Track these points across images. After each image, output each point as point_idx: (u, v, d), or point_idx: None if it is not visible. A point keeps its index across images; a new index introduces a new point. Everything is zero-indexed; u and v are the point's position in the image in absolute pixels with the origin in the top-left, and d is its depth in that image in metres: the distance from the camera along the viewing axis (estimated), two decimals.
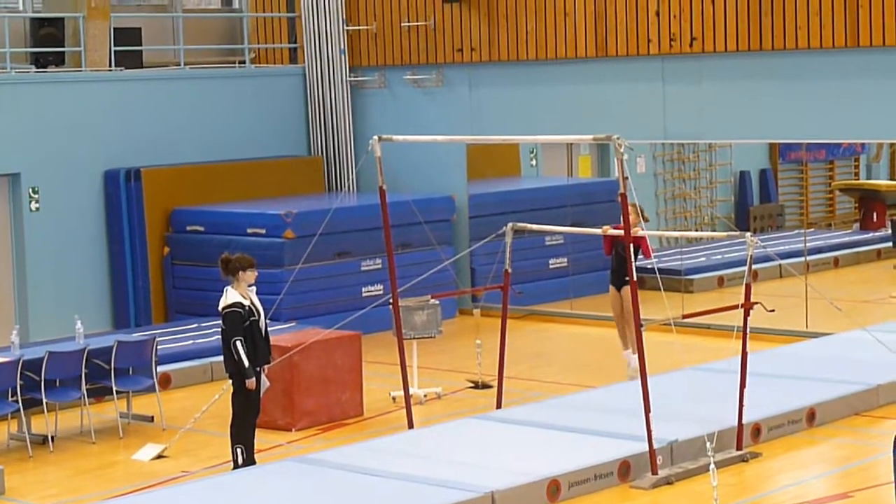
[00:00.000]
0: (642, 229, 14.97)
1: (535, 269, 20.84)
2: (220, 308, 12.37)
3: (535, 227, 14.82)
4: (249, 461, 12.49)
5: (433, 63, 20.75)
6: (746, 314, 12.58)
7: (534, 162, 23.61)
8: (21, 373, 13.65)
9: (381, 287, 19.03)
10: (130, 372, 14.64)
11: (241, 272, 12.36)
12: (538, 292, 20.46)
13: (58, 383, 14.08)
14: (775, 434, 13.30)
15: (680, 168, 24.59)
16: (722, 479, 11.75)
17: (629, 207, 12.45)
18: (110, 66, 19.83)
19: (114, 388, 14.34)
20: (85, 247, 19.24)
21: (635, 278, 12.05)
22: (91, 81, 19.44)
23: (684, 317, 13.09)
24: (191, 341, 17.18)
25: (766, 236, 23.21)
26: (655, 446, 11.96)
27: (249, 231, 18.81)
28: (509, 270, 14.17)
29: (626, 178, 11.89)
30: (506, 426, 13.25)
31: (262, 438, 13.13)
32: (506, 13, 19.83)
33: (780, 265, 18.31)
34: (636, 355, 12.94)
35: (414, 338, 15.48)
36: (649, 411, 11.85)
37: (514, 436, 12.90)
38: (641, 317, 11.97)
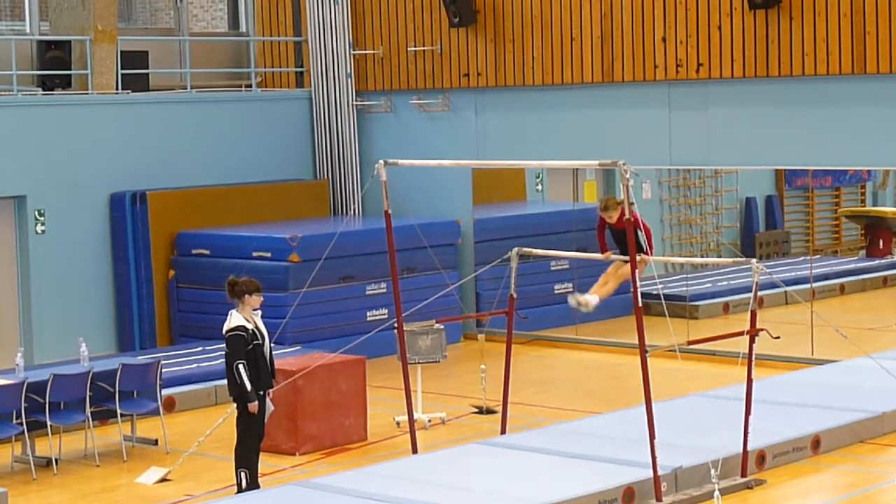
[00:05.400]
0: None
1: (540, 294, 20.83)
2: (223, 331, 12.38)
3: (540, 251, 14.80)
4: (253, 485, 12.48)
5: (439, 88, 20.78)
6: (752, 341, 12.57)
7: (539, 187, 23.62)
8: (25, 395, 13.64)
9: (386, 311, 19.03)
10: (135, 395, 14.63)
11: (246, 296, 12.37)
12: (543, 317, 20.45)
13: (62, 406, 14.08)
14: (780, 461, 13.27)
15: (686, 194, 24.59)
16: None
17: (613, 202, 13.08)
18: (117, 89, 19.86)
19: (118, 411, 14.33)
20: (90, 269, 19.25)
21: (640, 303, 12.02)
22: (98, 104, 19.48)
23: (689, 343, 13.06)
24: (195, 364, 17.17)
25: (771, 263, 23.19)
26: (660, 473, 11.93)
27: (255, 254, 18.81)
28: (514, 295, 14.15)
29: (632, 203, 11.88)
30: (510, 452, 13.22)
31: (266, 462, 13.12)
32: (512, 38, 19.87)
33: (785, 292, 18.31)
34: (594, 299, 13.55)
35: (418, 362, 15.47)
36: (654, 438, 11.82)
37: (519, 461, 12.87)
38: (646, 343, 11.94)
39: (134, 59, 20.44)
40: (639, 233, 12.55)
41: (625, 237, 12.82)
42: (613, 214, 13.26)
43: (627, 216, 11.95)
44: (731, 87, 18.09)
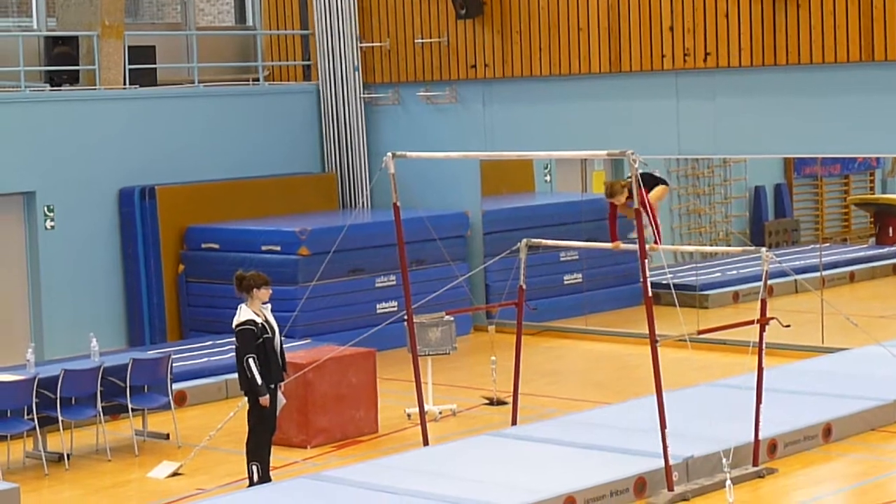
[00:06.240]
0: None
1: (549, 285, 20.83)
2: (233, 326, 12.38)
3: (549, 242, 14.78)
4: (265, 479, 12.49)
5: (447, 79, 20.77)
6: (762, 330, 12.56)
7: (548, 178, 23.60)
8: (37, 391, 13.67)
9: (396, 304, 19.03)
10: (146, 389, 14.65)
11: (255, 290, 12.37)
12: (553, 308, 20.45)
13: (73, 401, 14.10)
14: (791, 450, 13.26)
15: (694, 183, 24.57)
16: (738, 495, 11.73)
17: (618, 186, 12.96)
18: (125, 84, 19.88)
19: (129, 406, 14.35)
20: (100, 265, 19.27)
21: (650, 293, 12.01)
22: (105, 100, 19.49)
23: (699, 332, 13.04)
24: (206, 359, 17.18)
25: (781, 251, 23.14)
26: (671, 462, 11.93)
27: (264, 248, 18.81)
28: (524, 286, 14.15)
29: (641, 192, 11.88)
30: (521, 443, 13.23)
31: (277, 455, 13.12)
32: (519, 29, 19.85)
33: (795, 280, 18.29)
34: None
35: (429, 354, 15.47)
36: (665, 427, 11.82)
37: (530, 452, 12.88)
38: (656, 332, 11.94)
39: (141, 54, 20.45)
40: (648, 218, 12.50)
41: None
42: (621, 198, 13.21)
43: (636, 205, 11.94)
44: (738, 75, 18.07)
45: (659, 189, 12.85)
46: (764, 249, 12.70)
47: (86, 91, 19.57)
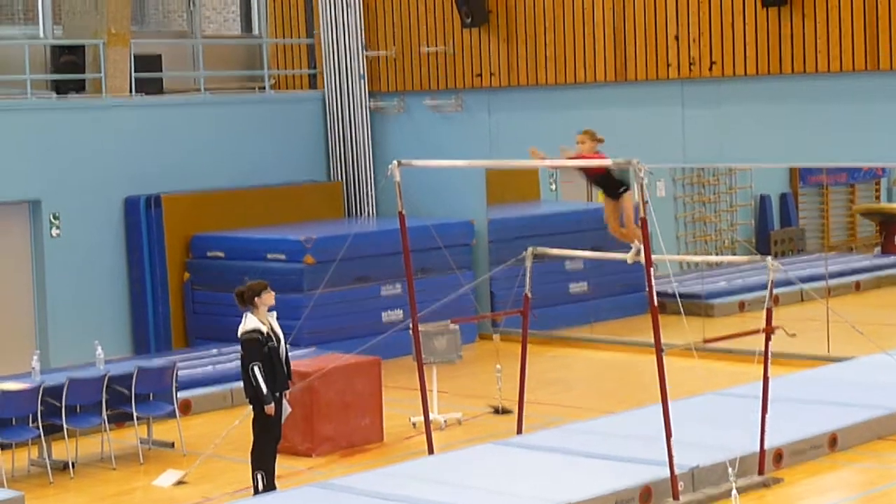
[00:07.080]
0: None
1: (555, 294, 20.80)
2: (238, 334, 12.38)
3: (554, 251, 14.79)
4: (270, 487, 12.48)
5: (452, 88, 20.77)
6: (768, 339, 12.55)
7: (553, 186, 23.60)
8: (42, 399, 13.67)
9: (401, 312, 19.02)
10: (151, 398, 14.66)
11: (256, 298, 12.36)
12: (558, 317, 20.44)
13: (78, 409, 14.10)
14: (797, 459, 13.24)
15: (700, 192, 24.57)
16: None
17: (592, 133, 12.98)
18: (131, 92, 19.89)
19: (134, 414, 14.35)
20: (105, 273, 19.28)
21: (656, 302, 11.99)
22: (111, 108, 19.50)
23: (705, 341, 13.04)
24: (211, 367, 17.19)
25: (786, 260, 23.15)
26: (677, 472, 11.91)
27: (269, 256, 18.82)
28: (529, 295, 14.14)
29: (646, 202, 11.87)
30: (526, 452, 13.21)
31: (282, 464, 13.12)
32: (525, 38, 19.85)
33: (801, 289, 18.26)
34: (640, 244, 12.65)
35: (434, 363, 15.46)
36: (671, 436, 11.81)
37: (535, 461, 12.86)
38: (662, 341, 11.93)
39: (147, 62, 20.47)
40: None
41: (601, 180, 12.95)
42: (581, 147, 13.12)
43: (643, 214, 11.94)
44: (744, 84, 18.06)
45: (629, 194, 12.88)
46: (769, 258, 12.70)
47: (92, 99, 19.59)
